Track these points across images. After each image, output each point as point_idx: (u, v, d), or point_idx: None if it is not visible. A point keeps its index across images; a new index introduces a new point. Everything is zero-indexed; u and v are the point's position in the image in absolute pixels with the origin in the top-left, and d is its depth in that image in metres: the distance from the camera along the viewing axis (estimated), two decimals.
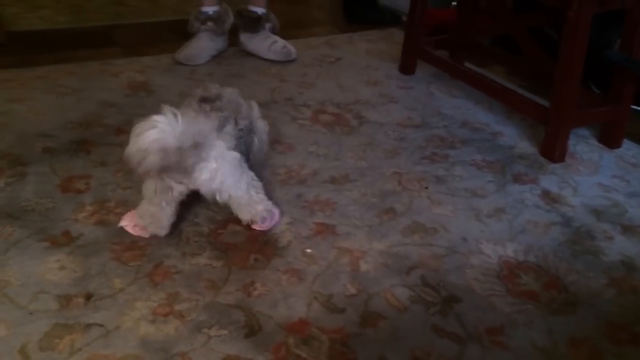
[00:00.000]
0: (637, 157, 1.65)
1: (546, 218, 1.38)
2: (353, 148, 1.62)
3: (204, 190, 1.18)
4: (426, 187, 1.46)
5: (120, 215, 1.28)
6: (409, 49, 2.07)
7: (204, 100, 1.22)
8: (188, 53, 2.09)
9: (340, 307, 1.10)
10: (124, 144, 1.54)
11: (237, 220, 1.26)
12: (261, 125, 1.36)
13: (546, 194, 1.47)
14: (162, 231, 1.22)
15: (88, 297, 1.08)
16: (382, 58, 2.24)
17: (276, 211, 1.29)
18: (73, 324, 1.03)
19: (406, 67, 2.10)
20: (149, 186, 1.18)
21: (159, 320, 1.04)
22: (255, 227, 1.26)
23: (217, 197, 1.18)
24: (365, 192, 1.43)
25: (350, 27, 2.56)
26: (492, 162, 1.59)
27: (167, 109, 1.09)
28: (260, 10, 2.17)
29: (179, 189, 1.18)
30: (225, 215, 1.30)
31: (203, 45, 2.12)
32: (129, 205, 1.32)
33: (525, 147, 1.68)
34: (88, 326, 1.02)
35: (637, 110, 1.79)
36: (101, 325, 1.03)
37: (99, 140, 1.58)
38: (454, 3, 2.54)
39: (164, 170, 1.11)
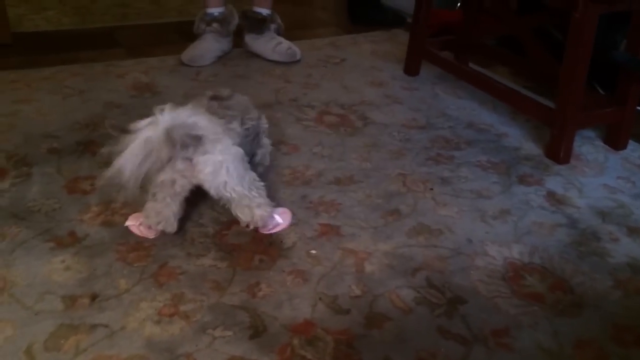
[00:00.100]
0: None
1: (551, 219, 1.37)
2: (358, 149, 1.62)
3: (207, 184, 1.17)
4: (431, 189, 1.46)
5: (125, 216, 1.28)
6: (414, 50, 2.07)
7: (214, 98, 1.24)
8: (193, 54, 2.10)
9: (345, 308, 1.10)
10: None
11: None
12: (267, 142, 1.37)
13: (551, 196, 1.46)
14: (170, 228, 1.22)
15: (93, 297, 1.09)
16: (386, 59, 2.23)
17: (285, 215, 1.28)
18: (78, 324, 1.03)
19: (411, 68, 2.10)
20: (154, 179, 1.18)
21: (164, 320, 1.05)
22: (261, 230, 1.26)
23: (220, 192, 1.18)
24: (370, 193, 1.43)
25: (355, 28, 2.56)
26: (497, 163, 1.59)
27: (156, 109, 1.10)
28: (265, 11, 2.17)
29: (182, 183, 1.17)
30: (230, 216, 1.30)
31: (208, 47, 2.12)
32: (134, 206, 1.32)
33: (531, 148, 1.67)
34: (93, 327, 1.02)
35: None
36: (106, 326, 1.03)
37: (104, 141, 1.58)
38: (458, 4, 2.54)
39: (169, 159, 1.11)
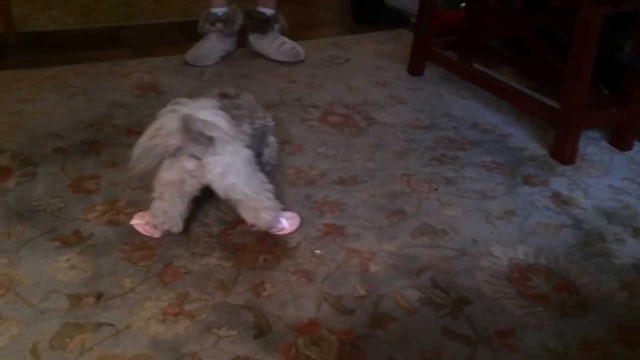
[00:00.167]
0: None
1: (557, 220, 1.37)
2: (362, 149, 1.62)
3: (216, 185, 1.17)
4: (436, 189, 1.46)
5: (130, 215, 1.28)
6: (418, 50, 2.07)
7: (223, 96, 1.24)
8: (197, 54, 2.10)
9: (349, 308, 1.10)
10: (133, 145, 1.56)
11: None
12: (273, 140, 1.37)
13: (556, 196, 1.46)
14: (176, 228, 1.22)
15: (98, 296, 1.09)
16: (390, 59, 2.23)
17: (293, 220, 1.28)
18: (84, 323, 1.03)
19: (415, 69, 2.10)
20: (162, 178, 1.18)
21: (169, 320, 1.05)
22: (269, 231, 1.26)
23: (228, 193, 1.18)
24: (374, 193, 1.43)
25: (359, 29, 2.56)
26: (502, 163, 1.59)
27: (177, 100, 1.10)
28: (269, 11, 2.17)
29: (191, 183, 1.17)
30: (234, 216, 1.30)
31: (212, 46, 2.12)
32: (139, 205, 1.32)
33: (535, 148, 1.67)
34: (98, 325, 1.03)
35: None
36: (111, 325, 1.03)
37: (109, 140, 1.59)
38: (462, 4, 2.53)
39: (176, 150, 1.11)
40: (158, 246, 1.22)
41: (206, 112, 1.10)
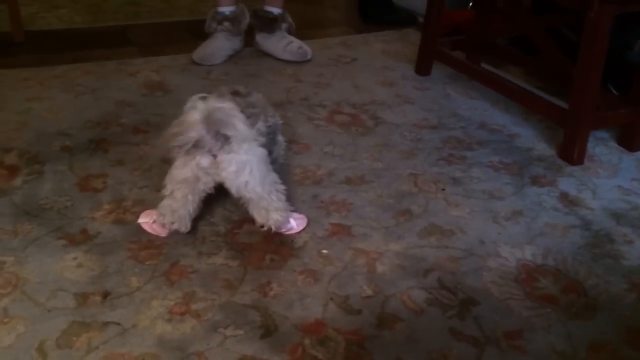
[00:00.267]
0: None
1: (565, 221, 1.36)
2: (369, 149, 1.62)
3: (229, 183, 1.17)
4: (443, 189, 1.45)
5: (137, 214, 1.28)
6: (426, 49, 2.06)
7: (235, 94, 1.24)
8: (204, 53, 2.10)
9: (356, 309, 1.09)
10: (140, 143, 1.57)
11: (253, 220, 1.25)
12: (281, 139, 1.38)
13: (565, 197, 1.45)
14: (184, 228, 1.22)
15: (105, 295, 1.09)
16: (397, 59, 2.23)
17: (300, 221, 1.28)
18: (90, 322, 1.03)
19: (422, 68, 2.09)
20: (175, 175, 1.18)
21: (176, 319, 1.05)
22: (277, 230, 1.26)
23: (241, 191, 1.18)
24: (381, 193, 1.43)
25: (366, 28, 2.55)
26: (510, 164, 1.58)
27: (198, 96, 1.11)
28: (276, 10, 2.17)
29: (205, 180, 1.17)
30: (241, 215, 1.30)
31: (219, 45, 2.12)
32: (145, 204, 1.32)
33: (543, 149, 1.66)
34: (105, 324, 1.03)
35: None
36: (118, 324, 1.03)
37: (116, 139, 1.59)
38: (470, 4, 2.52)
39: (195, 142, 1.11)
40: (164, 245, 1.22)
41: (227, 112, 1.11)
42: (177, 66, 2.06)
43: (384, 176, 1.50)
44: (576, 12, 1.55)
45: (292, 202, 1.30)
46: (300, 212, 1.31)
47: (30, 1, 2.62)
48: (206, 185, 1.18)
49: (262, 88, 1.88)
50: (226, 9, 2.13)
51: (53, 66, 2.00)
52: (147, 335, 1.01)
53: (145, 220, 1.25)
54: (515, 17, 1.99)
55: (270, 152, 1.31)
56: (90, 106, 1.76)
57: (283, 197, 1.23)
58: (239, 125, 1.11)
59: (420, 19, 2.44)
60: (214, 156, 1.15)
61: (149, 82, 1.93)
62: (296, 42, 2.18)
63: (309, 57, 2.17)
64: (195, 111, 1.09)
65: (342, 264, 1.20)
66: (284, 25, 2.19)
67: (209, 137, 1.11)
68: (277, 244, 1.24)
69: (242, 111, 1.14)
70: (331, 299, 1.11)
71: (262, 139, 1.21)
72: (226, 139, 1.12)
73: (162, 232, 1.24)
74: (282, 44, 2.16)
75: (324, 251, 1.23)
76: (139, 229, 1.25)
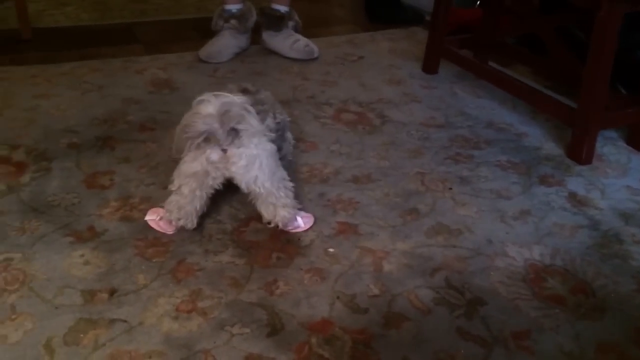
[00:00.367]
0: None
1: (573, 221, 1.35)
2: (376, 147, 1.61)
3: (239, 177, 1.17)
4: (450, 188, 1.45)
5: (144, 212, 1.28)
6: (433, 48, 2.06)
7: (244, 91, 1.24)
8: (211, 51, 2.10)
9: (363, 308, 1.09)
10: (147, 141, 1.57)
11: (260, 218, 1.25)
12: (289, 136, 1.38)
13: (573, 197, 1.44)
14: (190, 225, 1.22)
15: (112, 292, 1.09)
16: (404, 57, 2.22)
17: (307, 220, 1.28)
18: (97, 319, 1.03)
19: (429, 67, 2.08)
20: (184, 170, 1.17)
21: (182, 316, 1.05)
22: (284, 228, 1.25)
23: (250, 186, 1.18)
24: (388, 192, 1.42)
25: (373, 26, 2.55)
26: (517, 163, 1.57)
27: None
28: (283, 8, 2.17)
29: (214, 175, 1.17)
30: (248, 213, 1.30)
31: (226, 43, 2.12)
32: (152, 201, 1.33)
33: (551, 148, 1.65)
34: (112, 321, 1.03)
35: None
36: (125, 321, 1.03)
37: (123, 136, 1.59)
38: (477, 2, 2.51)
39: (206, 135, 1.11)
40: (171, 243, 1.22)
41: (239, 104, 1.11)
42: (183, 64, 2.06)
43: (391, 175, 1.49)
44: (585, 11, 1.54)
45: (299, 201, 1.30)
46: (307, 211, 1.31)
47: None
48: (215, 180, 1.18)
49: (269, 86, 1.87)
50: (233, 7, 2.13)
51: (60, 63, 2.00)
52: (154, 332, 1.01)
53: (152, 217, 1.25)
54: (524, 15, 1.98)
55: (279, 149, 1.31)
56: (97, 103, 1.76)
57: (291, 194, 1.23)
58: (251, 120, 1.11)
59: (427, 17, 2.43)
60: (224, 150, 1.15)
61: (155, 79, 1.93)
62: (303, 40, 2.17)
63: (315, 55, 2.16)
64: (210, 104, 1.09)
65: (348, 262, 1.19)
66: (291, 23, 2.19)
67: (222, 130, 1.11)
68: (284, 242, 1.24)
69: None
70: (338, 297, 1.11)
71: (272, 135, 1.21)
72: (236, 133, 1.12)
73: (169, 230, 1.23)
74: (289, 42, 2.16)
75: (331, 250, 1.22)
76: (146, 226, 1.25)
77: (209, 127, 1.10)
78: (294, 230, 1.26)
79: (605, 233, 1.32)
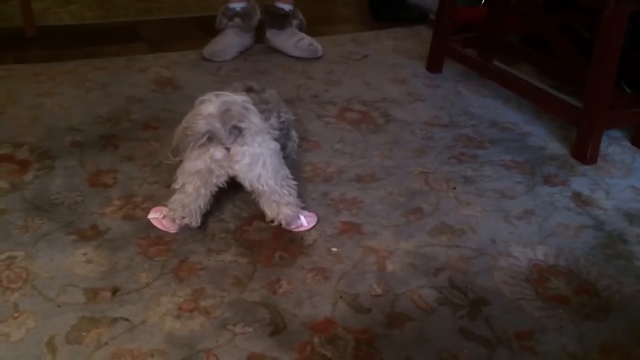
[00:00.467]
0: None
1: (577, 221, 1.35)
2: (379, 146, 1.61)
3: (242, 175, 1.17)
4: (454, 188, 1.44)
5: (146, 210, 1.28)
6: (437, 47, 2.05)
7: (249, 90, 1.24)
8: (214, 49, 2.10)
9: (366, 307, 1.08)
10: (150, 139, 1.57)
11: (263, 217, 1.25)
12: (294, 134, 1.37)
13: (577, 197, 1.43)
14: (194, 223, 1.22)
15: (114, 291, 1.09)
16: (409, 56, 2.21)
17: (310, 219, 1.28)
18: (100, 317, 1.03)
19: (433, 66, 2.08)
20: (188, 168, 1.17)
21: (184, 315, 1.04)
22: (287, 227, 1.25)
23: (254, 184, 1.18)
24: (391, 191, 1.42)
25: (377, 25, 2.54)
26: (522, 162, 1.56)
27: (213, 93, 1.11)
28: (287, 7, 2.16)
29: (218, 173, 1.17)
30: (251, 212, 1.30)
31: (229, 42, 2.12)
32: (155, 200, 1.32)
33: (556, 148, 1.65)
34: (114, 320, 1.03)
35: None
36: (127, 320, 1.03)
37: (126, 135, 1.59)
38: (482, 1, 2.50)
39: (209, 135, 1.11)
40: (174, 241, 1.22)
41: (239, 103, 1.11)
42: (187, 62, 2.06)
43: (395, 174, 1.49)
44: (591, 10, 1.53)
45: (302, 200, 1.30)
46: (310, 210, 1.31)
47: None
48: (219, 178, 1.18)
49: (272, 85, 1.86)
50: (237, 5, 2.13)
51: (64, 62, 2.00)
52: (156, 331, 1.01)
53: (155, 216, 1.25)
54: (529, 15, 1.97)
55: (284, 147, 1.31)
56: (101, 102, 1.76)
57: (294, 192, 1.23)
58: (253, 118, 1.11)
59: (432, 16, 2.42)
60: (227, 149, 1.14)
61: (159, 78, 1.93)
62: (307, 39, 2.17)
63: (319, 53, 2.16)
64: (211, 104, 1.09)
65: (351, 262, 1.19)
66: (295, 22, 2.18)
67: (223, 129, 1.10)
68: (287, 241, 1.24)
69: (255, 107, 1.14)
70: (341, 297, 1.10)
71: (276, 133, 1.20)
72: (240, 132, 1.12)
73: (172, 228, 1.23)
74: (293, 40, 2.16)
75: (334, 249, 1.22)
76: (149, 224, 1.25)
77: (210, 126, 1.09)
78: (297, 229, 1.26)
79: (609, 233, 1.31)
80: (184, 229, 1.24)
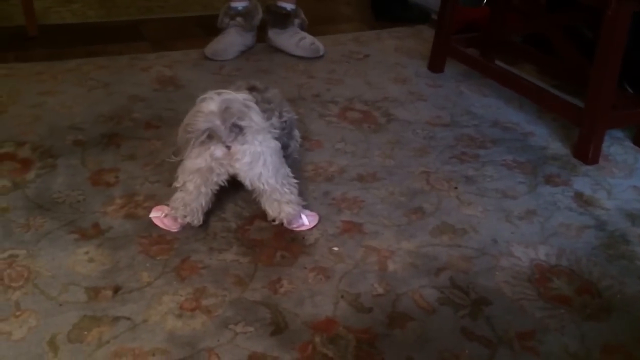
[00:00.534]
0: None
1: (579, 221, 1.34)
2: (381, 146, 1.61)
3: (243, 174, 1.17)
4: (455, 187, 1.44)
5: (148, 209, 1.28)
6: (439, 46, 2.05)
7: (252, 89, 1.24)
8: (216, 48, 2.10)
9: (367, 307, 1.08)
10: (152, 138, 1.57)
11: (264, 216, 1.25)
12: (297, 134, 1.38)
13: (579, 197, 1.43)
14: (196, 221, 1.22)
15: (116, 290, 1.09)
16: (410, 55, 2.21)
17: (312, 218, 1.28)
18: (101, 316, 1.03)
19: (435, 65, 2.07)
20: (189, 166, 1.17)
21: (186, 314, 1.04)
22: (288, 226, 1.25)
23: (254, 183, 1.18)
24: (393, 190, 1.42)
25: (379, 24, 2.54)
26: (523, 162, 1.56)
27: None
28: (289, 6, 2.16)
29: (218, 171, 1.17)
30: (252, 211, 1.30)
31: (232, 41, 2.12)
32: (157, 199, 1.33)
33: (558, 147, 1.64)
34: (116, 319, 1.03)
35: None
36: (128, 319, 1.03)
37: (128, 134, 1.59)
38: (484, 1, 2.50)
39: (208, 133, 1.11)
40: (176, 240, 1.22)
41: (240, 101, 1.11)
42: (189, 61, 2.06)
43: (396, 174, 1.49)
44: (593, 9, 1.53)
45: (304, 199, 1.30)
46: (311, 209, 1.31)
47: None
48: (219, 177, 1.18)
49: (274, 84, 1.85)
50: (239, 4, 2.13)
51: (66, 60, 2.01)
52: (158, 330, 1.01)
53: (157, 215, 1.25)
54: (531, 14, 1.97)
55: (287, 146, 1.31)
56: (103, 101, 1.76)
57: (295, 191, 1.23)
58: (254, 116, 1.11)
59: (434, 16, 2.42)
60: (228, 147, 1.14)
61: (161, 77, 1.93)
62: (309, 38, 2.17)
63: (321, 53, 2.16)
64: (211, 102, 1.09)
65: (353, 261, 1.19)
66: (297, 21, 2.18)
67: (223, 127, 1.10)
68: (288, 240, 1.24)
69: (257, 105, 1.14)
70: (342, 296, 1.10)
71: (276, 132, 1.20)
72: (240, 130, 1.12)
73: (174, 227, 1.23)
74: (295, 39, 2.16)
75: (335, 248, 1.22)
76: (151, 223, 1.25)
77: (210, 124, 1.09)
78: (298, 229, 1.26)
79: (611, 233, 1.31)
80: (186, 227, 1.24)
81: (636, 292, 1.15)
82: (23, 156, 1.47)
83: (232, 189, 1.26)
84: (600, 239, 1.29)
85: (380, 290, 1.12)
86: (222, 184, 1.20)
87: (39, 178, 1.39)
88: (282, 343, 1.00)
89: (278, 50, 2.18)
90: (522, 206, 1.38)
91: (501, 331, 1.05)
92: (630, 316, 1.10)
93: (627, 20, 1.45)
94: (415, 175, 1.48)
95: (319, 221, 1.29)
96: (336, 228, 1.28)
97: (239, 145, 1.14)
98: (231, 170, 1.18)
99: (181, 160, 1.19)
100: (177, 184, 1.20)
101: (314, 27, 2.27)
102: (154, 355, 0.97)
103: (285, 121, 1.27)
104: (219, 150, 1.15)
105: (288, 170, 1.23)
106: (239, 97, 1.11)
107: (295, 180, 1.24)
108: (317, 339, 1.01)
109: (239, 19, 2.12)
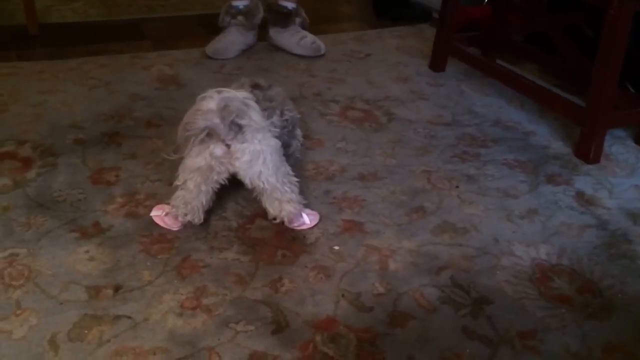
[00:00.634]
0: None
1: (580, 220, 1.34)
2: (382, 145, 1.60)
3: (243, 173, 1.17)
4: (457, 186, 1.44)
5: (149, 208, 1.28)
6: (440, 45, 2.04)
7: (255, 87, 1.24)
8: (218, 47, 2.10)
9: (368, 306, 1.08)
10: (153, 137, 1.57)
11: (265, 215, 1.25)
12: (299, 133, 1.37)
13: (580, 196, 1.43)
14: (197, 220, 1.22)
15: (117, 288, 1.09)
16: (412, 54, 2.21)
17: (313, 217, 1.27)
18: (102, 315, 1.03)
19: (437, 64, 2.07)
20: (189, 165, 1.17)
21: (187, 313, 1.04)
22: (287, 224, 1.25)
23: (254, 182, 1.18)
24: (394, 189, 1.42)
25: (380, 23, 2.53)
26: (525, 161, 1.56)
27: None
28: (290, 5, 2.16)
29: (218, 170, 1.17)
30: (253, 210, 1.30)
31: (233, 40, 2.12)
32: (158, 197, 1.32)
33: (559, 147, 1.64)
34: (116, 318, 1.03)
35: None
36: (129, 317, 1.03)
37: (129, 132, 1.59)
38: (486, 0, 2.50)
39: (208, 131, 1.11)
40: (176, 239, 1.22)
41: (241, 101, 1.10)
42: (190, 60, 2.06)
43: (397, 173, 1.48)
44: (595, 9, 1.53)
45: (305, 198, 1.30)
46: (312, 208, 1.31)
47: None
48: (219, 175, 1.18)
49: (275, 83, 1.87)
50: (240, 3, 2.13)
51: (67, 59, 2.00)
52: (158, 329, 1.01)
53: (158, 213, 1.25)
54: (533, 13, 1.96)
55: (289, 145, 1.31)
56: (104, 99, 1.76)
57: (296, 189, 1.23)
58: (253, 115, 1.11)
59: (435, 15, 2.42)
60: (228, 146, 1.14)
61: (162, 75, 1.93)
62: (310, 37, 2.17)
63: (322, 52, 2.16)
64: (211, 100, 1.09)
65: (354, 260, 1.19)
66: (298, 20, 2.18)
67: (223, 126, 1.10)
68: (289, 239, 1.24)
69: (258, 104, 1.14)
70: (343, 295, 1.10)
71: (277, 130, 1.20)
72: (240, 129, 1.12)
73: (174, 226, 1.23)
74: (296, 38, 2.15)
75: (336, 247, 1.22)
76: (151, 222, 1.25)
77: (209, 122, 1.09)
78: (299, 227, 1.26)
79: (613, 233, 1.31)
80: (187, 226, 1.24)
81: (638, 291, 1.15)
82: (24, 155, 1.47)
83: (233, 187, 1.26)
84: (602, 238, 1.29)
85: (381, 289, 1.12)
86: (223, 183, 1.20)
87: (40, 177, 1.39)
88: (283, 342, 1.00)
89: (279, 49, 2.18)
90: (523, 205, 1.38)
91: (502, 330, 1.05)
92: (631, 316, 1.10)
93: (629, 20, 1.44)
94: (416, 174, 1.48)
95: (320, 220, 1.28)
96: (337, 227, 1.28)
97: (238, 143, 1.14)
98: (231, 169, 1.18)
99: (181, 159, 1.19)
100: (177, 183, 1.20)
101: (315, 26, 2.27)
102: (154, 354, 0.97)
103: (287, 120, 1.27)
104: (218, 149, 1.15)
105: (289, 168, 1.23)
106: (238, 95, 1.11)
107: (296, 179, 1.24)
108: (318, 338, 1.01)
109: (240, 17, 2.12)
